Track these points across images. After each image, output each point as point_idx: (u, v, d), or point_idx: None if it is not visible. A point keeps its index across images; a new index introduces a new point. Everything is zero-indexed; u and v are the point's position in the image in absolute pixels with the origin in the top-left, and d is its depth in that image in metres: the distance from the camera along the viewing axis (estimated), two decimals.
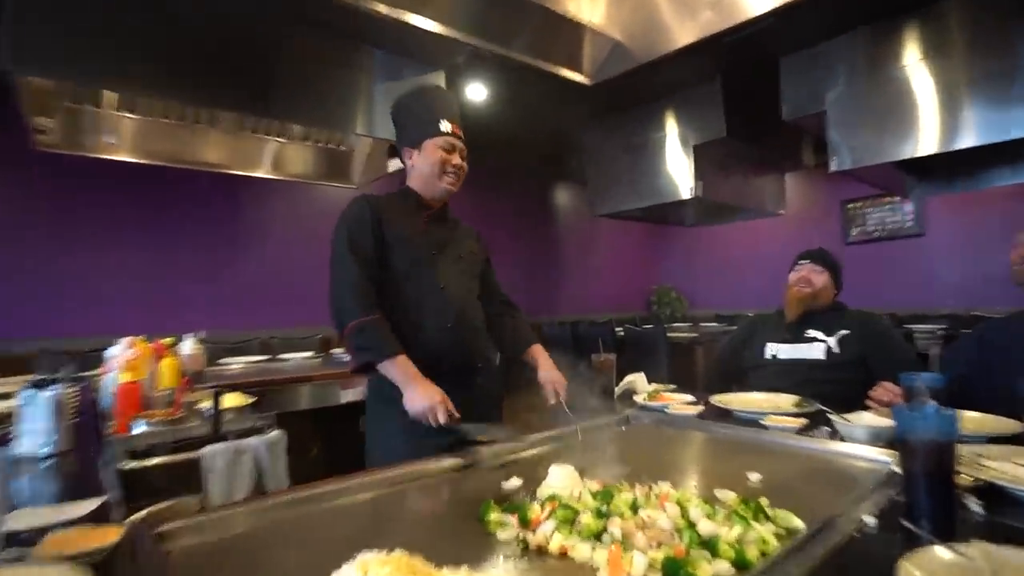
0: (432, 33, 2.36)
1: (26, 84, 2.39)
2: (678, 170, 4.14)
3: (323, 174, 3.97)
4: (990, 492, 0.92)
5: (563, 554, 0.79)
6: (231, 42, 2.57)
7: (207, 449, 1.44)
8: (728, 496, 0.95)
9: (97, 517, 0.91)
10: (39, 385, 1.26)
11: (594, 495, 0.94)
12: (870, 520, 0.82)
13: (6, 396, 1.80)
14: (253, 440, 1.51)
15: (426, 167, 1.57)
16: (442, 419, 1.32)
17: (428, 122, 1.57)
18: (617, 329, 5.11)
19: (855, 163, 3.10)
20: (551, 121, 4.73)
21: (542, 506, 0.91)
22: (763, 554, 0.74)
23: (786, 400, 1.68)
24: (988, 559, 0.58)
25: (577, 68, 2.82)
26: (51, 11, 2.11)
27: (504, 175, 6.17)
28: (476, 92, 4.05)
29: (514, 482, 1.08)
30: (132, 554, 0.78)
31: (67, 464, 1.22)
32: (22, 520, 0.86)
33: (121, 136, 3.20)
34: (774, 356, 2.13)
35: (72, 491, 1.09)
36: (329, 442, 2.28)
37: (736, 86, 3.86)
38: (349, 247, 1.45)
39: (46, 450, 1.23)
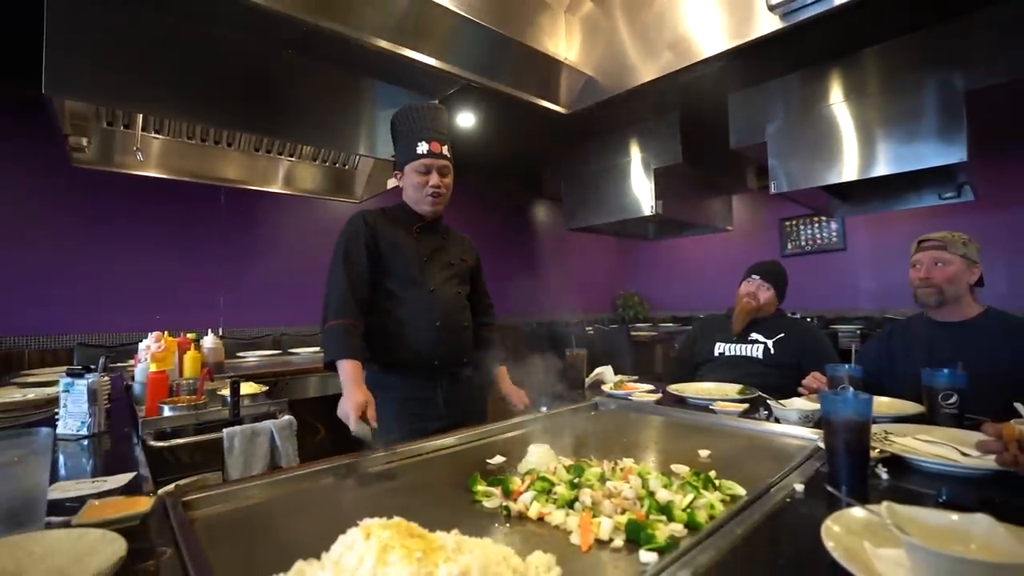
0: (427, 66, 2.37)
1: (63, 106, 2.34)
2: (640, 190, 4.20)
3: (329, 190, 3.94)
4: (895, 462, 0.96)
5: (540, 519, 0.80)
6: (249, 71, 2.54)
7: (227, 431, 1.43)
8: (682, 469, 0.97)
9: (130, 490, 0.91)
10: (77, 374, 1.24)
11: (567, 469, 0.95)
12: (799, 487, 0.85)
13: (51, 384, 1.76)
14: (267, 423, 1.50)
15: (409, 190, 1.55)
16: (352, 426, 1.23)
17: (407, 146, 1.51)
18: (587, 328, 5.14)
19: (790, 187, 3.18)
20: (532, 146, 4.76)
21: (522, 479, 0.92)
22: (711, 517, 0.77)
23: (731, 388, 1.72)
24: (893, 516, 0.61)
25: (554, 99, 2.85)
26: (84, 39, 2.07)
27: (489, 194, 6.18)
28: (465, 120, 4.06)
29: (497, 459, 1.09)
30: (163, 521, 0.78)
31: (102, 443, 1.20)
32: (63, 491, 0.84)
33: (150, 155, 3.15)
34: (722, 353, 2.18)
35: (107, 466, 1.07)
36: (333, 426, 2.26)
37: (691, 118, 3.94)
38: (343, 259, 1.44)
39: (84, 431, 1.21)
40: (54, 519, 0.75)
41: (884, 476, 0.91)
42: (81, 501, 0.80)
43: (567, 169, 4.83)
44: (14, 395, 1.55)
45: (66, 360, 3.17)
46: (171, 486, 0.90)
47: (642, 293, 7.44)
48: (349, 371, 1.32)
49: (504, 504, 0.84)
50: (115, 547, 0.63)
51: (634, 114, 4.06)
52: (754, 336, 2.13)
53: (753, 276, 2.22)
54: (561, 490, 0.85)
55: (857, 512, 0.68)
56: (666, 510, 0.77)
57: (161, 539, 0.73)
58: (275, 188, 3.69)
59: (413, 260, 1.53)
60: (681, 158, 3.91)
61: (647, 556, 0.68)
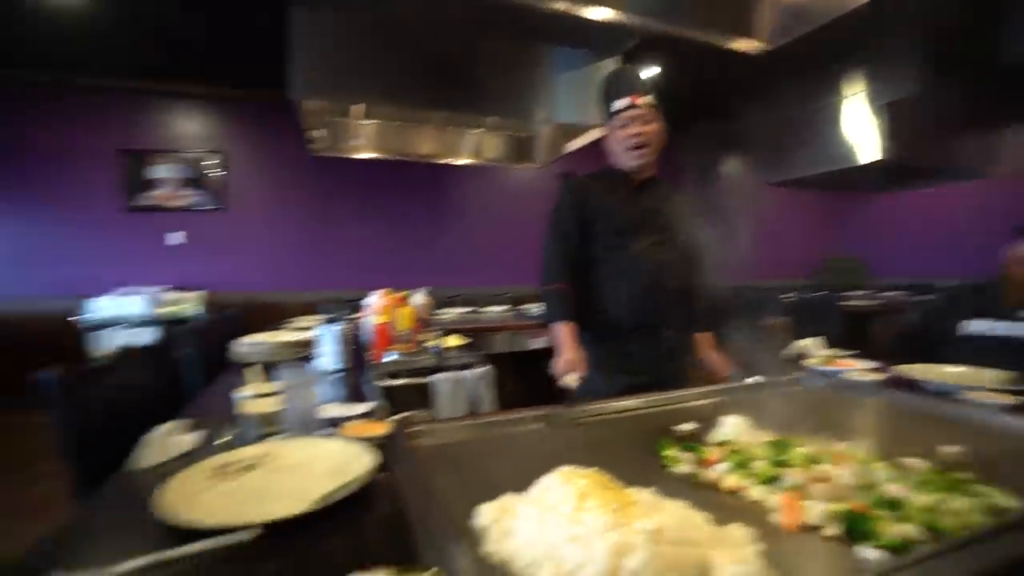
0: (604, 22, 2.28)
1: (303, 106, 2.87)
2: (861, 133, 3.51)
3: (511, 157, 4.15)
4: None
5: (735, 492, 0.77)
6: (439, 55, 2.80)
7: (435, 377, 1.63)
8: (917, 464, 0.83)
9: (368, 417, 1.12)
10: (330, 322, 1.57)
11: (768, 445, 0.89)
12: None
13: (306, 329, 2.28)
14: (468, 373, 1.67)
15: (615, 148, 1.55)
16: (564, 382, 1.35)
17: (607, 108, 1.54)
18: (785, 296, 4.59)
19: None
20: (720, 94, 4.31)
21: (715, 449, 0.89)
22: (963, 527, 0.64)
23: (990, 376, 1.39)
24: None
25: (749, 36, 2.51)
26: (317, 51, 2.50)
27: (672, 150, 5.83)
28: (647, 74, 3.85)
29: (686, 426, 1.07)
30: (394, 444, 0.95)
31: (348, 377, 1.50)
32: (330, 411, 1.09)
33: (365, 139, 3.69)
34: (979, 332, 1.75)
35: (351, 396, 1.34)
36: (521, 380, 2.42)
37: (942, 28, 3.09)
38: (554, 226, 1.53)
39: (337, 367, 1.53)
40: (325, 430, 0.98)
41: None
42: (339, 421, 1.03)
43: (764, 117, 4.27)
44: (288, 337, 2.03)
45: (309, 311, 3.95)
46: (398, 417, 1.09)
47: (860, 256, 6.31)
48: (561, 333, 1.43)
49: (695, 472, 0.83)
50: (370, 457, 0.79)
51: (855, 41, 3.36)
52: None
53: None
54: (761, 465, 0.80)
55: None
56: (898, 507, 0.67)
57: (394, 458, 0.89)
58: (463, 160, 4.02)
59: (621, 222, 1.53)
60: (924, 86, 3.14)
61: (868, 552, 0.61)
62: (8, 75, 4.08)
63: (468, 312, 3.74)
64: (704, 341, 1.62)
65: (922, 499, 0.68)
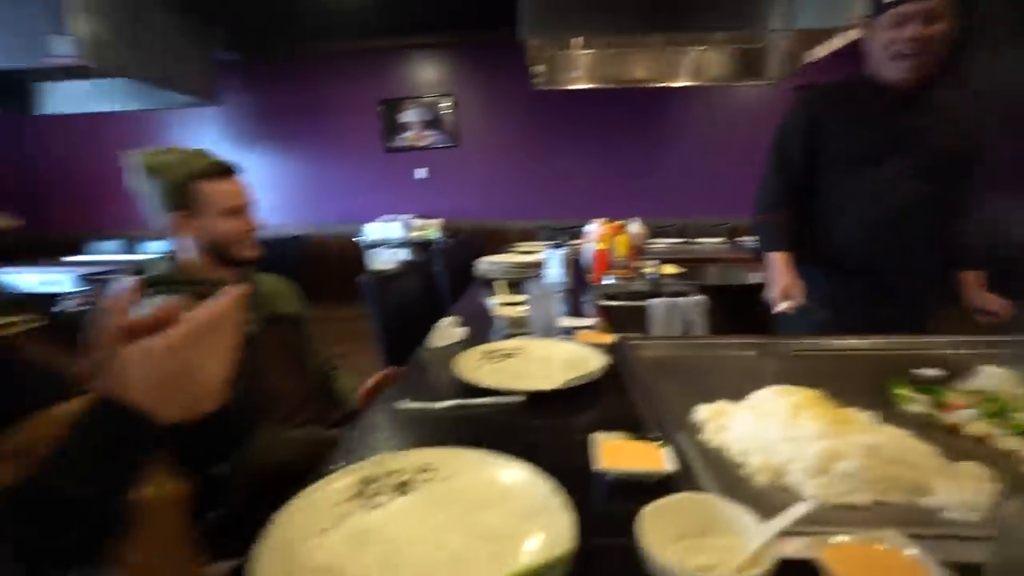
0: None
1: (529, 44, 3.05)
2: None
3: (736, 75, 3.76)
4: None
5: (979, 440, 0.74)
6: None
7: (651, 301, 1.72)
8: None
9: (592, 329, 1.32)
10: (555, 246, 1.80)
11: None
12: None
13: (533, 252, 2.62)
14: (682, 300, 1.72)
15: (876, 52, 1.26)
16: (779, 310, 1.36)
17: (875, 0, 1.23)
18: None
19: None
20: None
21: (964, 396, 0.84)
22: None
23: None
24: None
25: None
26: None
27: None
28: None
29: (928, 371, 0.99)
30: (618, 353, 1.12)
31: (571, 295, 1.73)
32: (566, 322, 1.32)
33: (582, 70, 3.76)
34: None
35: (572, 313, 1.56)
36: (731, 313, 2.36)
37: None
38: (777, 147, 1.42)
39: (561, 284, 1.78)
40: (561, 335, 1.20)
41: None
42: (572, 330, 1.24)
43: None
44: (520, 258, 2.36)
45: (529, 238, 4.34)
46: (621, 334, 1.25)
47: None
48: (775, 261, 1.40)
49: (930, 412, 0.81)
50: (603, 358, 0.98)
51: None
52: None
53: None
54: (1021, 416, 0.75)
55: None
56: None
57: (620, 362, 1.06)
58: (681, 82, 3.80)
59: (863, 145, 1.32)
60: None
61: None
62: (304, 48, 5.21)
63: (680, 243, 3.69)
64: (973, 280, 1.37)
65: None
